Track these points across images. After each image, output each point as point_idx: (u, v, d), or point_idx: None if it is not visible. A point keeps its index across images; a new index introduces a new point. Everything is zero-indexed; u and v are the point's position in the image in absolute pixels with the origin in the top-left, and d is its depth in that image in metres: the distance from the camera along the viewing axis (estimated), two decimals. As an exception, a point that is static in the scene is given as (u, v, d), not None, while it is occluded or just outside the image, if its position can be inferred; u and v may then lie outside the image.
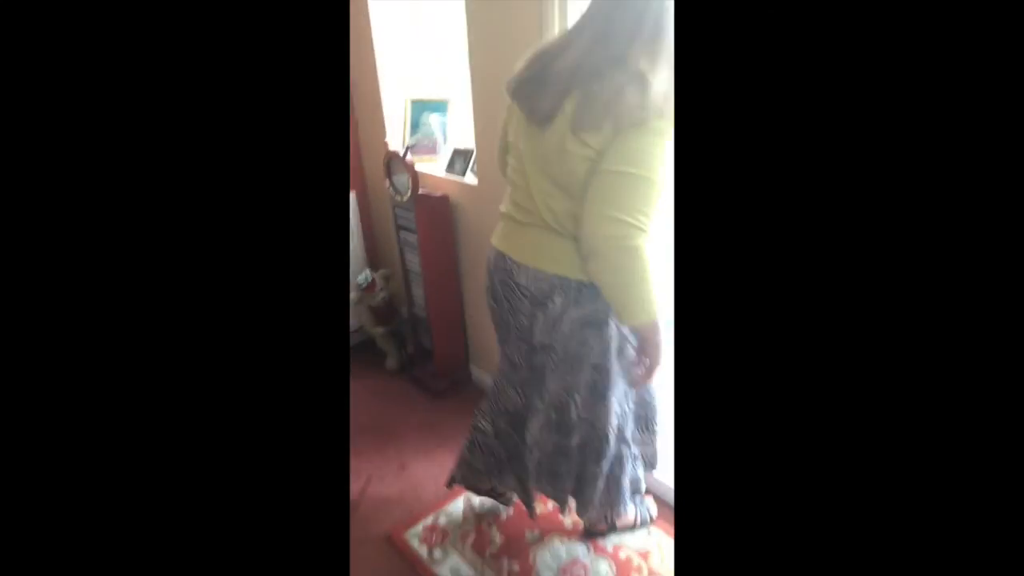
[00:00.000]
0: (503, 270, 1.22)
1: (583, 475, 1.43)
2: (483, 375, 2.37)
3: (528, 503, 1.54)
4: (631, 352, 1.24)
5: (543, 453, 1.43)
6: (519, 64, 1.13)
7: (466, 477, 1.60)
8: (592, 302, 1.13)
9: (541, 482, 1.48)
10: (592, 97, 0.98)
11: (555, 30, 1.50)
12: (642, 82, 0.95)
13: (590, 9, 1.02)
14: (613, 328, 1.18)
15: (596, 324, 1.16)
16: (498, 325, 1.33)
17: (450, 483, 1.63)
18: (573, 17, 1.49)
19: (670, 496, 1.77)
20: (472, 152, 2.02)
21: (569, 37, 1.04)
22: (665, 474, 1.77)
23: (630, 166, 0.97)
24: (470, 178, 2.03)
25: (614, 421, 1.33)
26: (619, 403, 1.31)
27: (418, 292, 2.29)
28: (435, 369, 2.35)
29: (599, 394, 1.28)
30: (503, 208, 1.25)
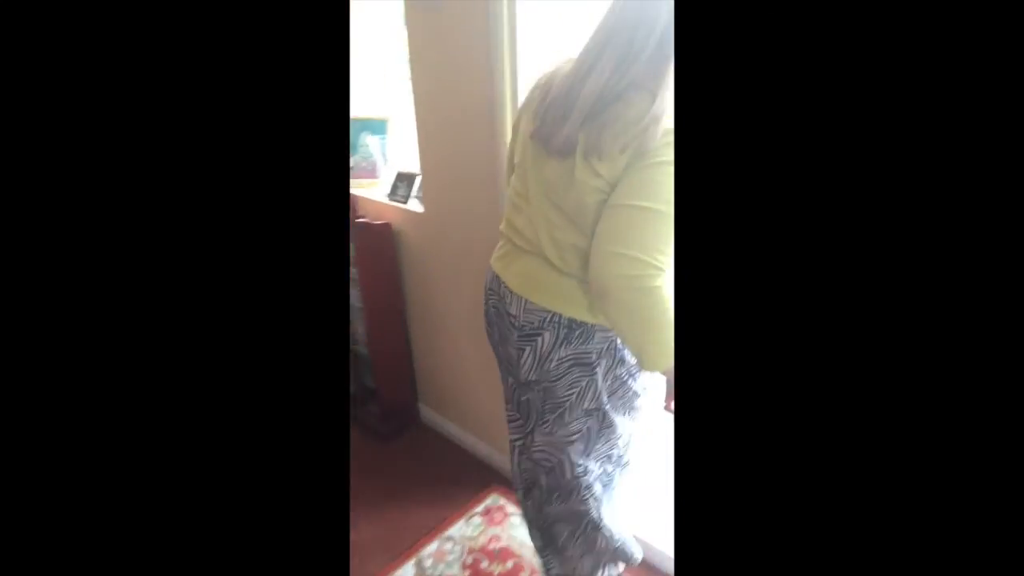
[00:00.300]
0: (497, 295, 1.17)
1: (583, 536, 1.33)
2: (434, 415, 2.19)
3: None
4: (633, 389, 1.15)
5: (536, 525, 1.33)
6: (529, 92, 1.06)
7: None
8: (583, 343, 1.07)
9: (547, 555, 1.39)
10: (609, 123, 0.91)
11: (503, 42, 1.36)
12: (662, 107, 0.88)
13: (608, 30, 0.93)
14: (604, 369, 1.10)
15: (586, 364, 1.09)
16: (495, 349, 1.28)
17: None
18: (523, 29, 1.35)
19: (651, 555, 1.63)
20: (416, 176, 1.85)
21: (587, 61, 0.94)
22: (642, 531, 1.63)
23: (645, 200, 0.88)
24: (415, 204, 1.86)
25: (595, 466, 1.23)
26: (610, 445, 1.22)
27: (359, 328, 2.09)
28: (380, 410, 2.16)
29: (591, 439, 1.19)
30: (502, 227, 1.19)
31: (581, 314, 1.05)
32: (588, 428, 1.16)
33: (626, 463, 1.27)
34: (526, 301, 1.09)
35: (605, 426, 1.16)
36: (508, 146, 1.18)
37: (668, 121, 0.88)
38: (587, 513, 1.28)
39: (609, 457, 1.22)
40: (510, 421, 1.29)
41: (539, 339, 1.09)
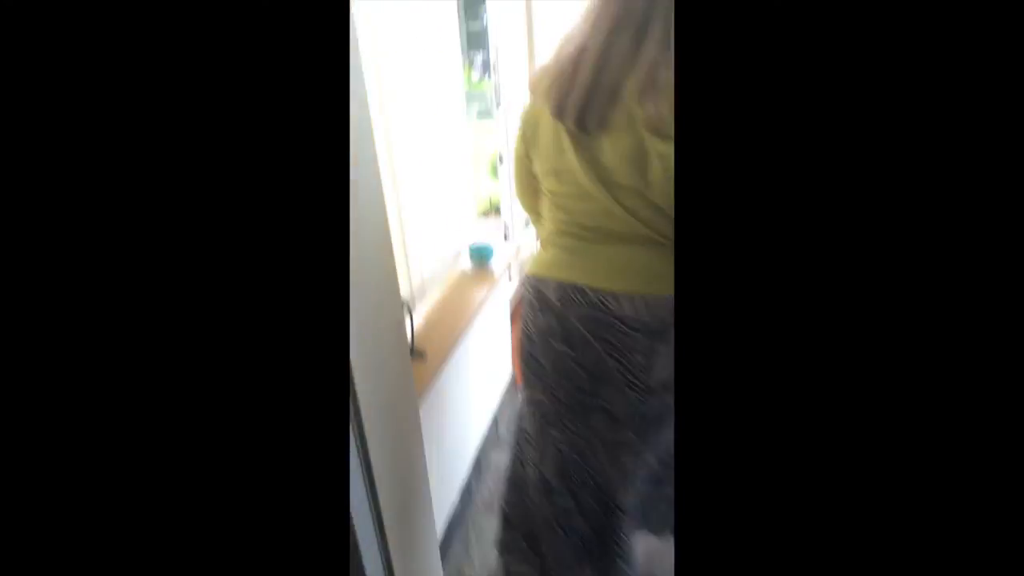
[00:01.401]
0: (586, 304, 1.02)
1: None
2: None
3: None
4: None
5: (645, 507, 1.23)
6: (545, 69, 0.99)
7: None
8: None
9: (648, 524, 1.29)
10: (664, 87, 0.86)
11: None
12: None
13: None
14: None
15: None
16: (568, 375, 1.09)
17: None
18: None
19: None
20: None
21: (600, 28, 0.92)
22: None
23: None
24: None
25: None
26: None
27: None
28: None
29: None
30: (555, 229, 1.07)
31: None
32: None
33: None
34: (644, 296, 0.98)
35: None
36: (517, 150, 1.13)
37: None
38: None
39: None
40: (621, 445, 1.11)
41: (674, 332, 0.97)
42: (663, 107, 0.86)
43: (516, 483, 1.27)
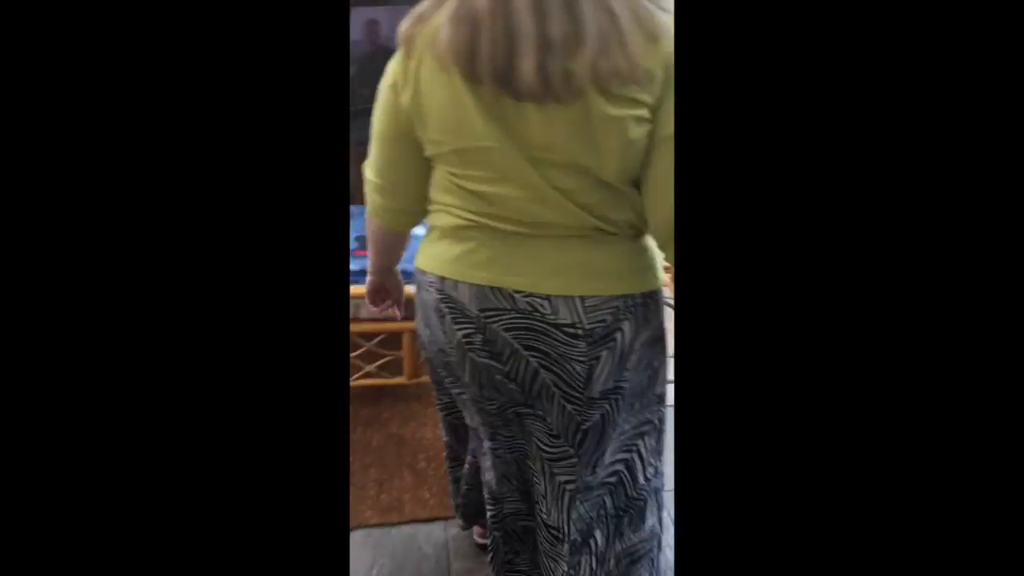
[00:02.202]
0: (514, 312, 0.87)
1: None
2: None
3: None
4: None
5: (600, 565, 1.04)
6: (435, 14, 0.77)
7: None
8: (656, 314, 0.92)
9: None
10: (629, 41, 0.72)
11: None
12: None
13: None
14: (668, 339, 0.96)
15: (659, 338, 0.95)
16: (498, 390, 0.95)
17: None
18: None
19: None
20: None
21: None
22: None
23: None
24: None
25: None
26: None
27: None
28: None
29: (661, 431, 1.01)
30: (462, 220, 0.88)
31: (653, 281, 0.91)
32: (659, 419, 1.00)
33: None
34: (583, 300, 0.85)
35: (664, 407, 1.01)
36: (388, 125, 0.89)
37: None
38: (659, 535, 1.06)
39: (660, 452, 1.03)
40: (558, 461, 0.97)
41: (619, 336, 0.88)
42: (620, 61, 0.71)
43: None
